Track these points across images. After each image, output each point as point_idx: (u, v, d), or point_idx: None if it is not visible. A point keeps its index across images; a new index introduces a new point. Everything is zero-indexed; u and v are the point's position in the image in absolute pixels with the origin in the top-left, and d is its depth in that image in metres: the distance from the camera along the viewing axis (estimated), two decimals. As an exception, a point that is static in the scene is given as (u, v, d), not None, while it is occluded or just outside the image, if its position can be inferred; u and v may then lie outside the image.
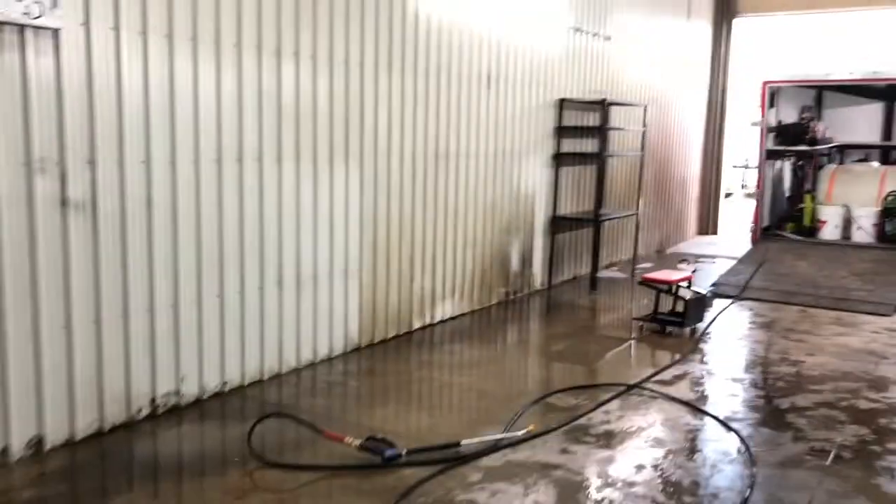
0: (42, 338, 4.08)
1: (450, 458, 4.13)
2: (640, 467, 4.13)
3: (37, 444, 4.10)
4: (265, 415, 4.56)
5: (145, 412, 4.62)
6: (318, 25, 5.52)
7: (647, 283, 7.22)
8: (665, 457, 4.28)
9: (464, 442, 4.29)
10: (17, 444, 4.02)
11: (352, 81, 5.87)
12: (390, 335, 6.53)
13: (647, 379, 5.61)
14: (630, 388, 5.40)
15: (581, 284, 9.14)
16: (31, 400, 4.07)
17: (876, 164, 11.47)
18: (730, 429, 4.69)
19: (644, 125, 9.86)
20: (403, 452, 4.12)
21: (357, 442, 4.15)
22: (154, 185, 4.53)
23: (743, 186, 20.20)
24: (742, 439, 4.51)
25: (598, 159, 8.88)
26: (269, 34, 5.14)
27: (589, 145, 9.28)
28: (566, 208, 9.05)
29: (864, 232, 10.41)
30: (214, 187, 4.91)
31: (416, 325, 6.85)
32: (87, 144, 4.19)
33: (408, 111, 6.47)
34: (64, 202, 4.11)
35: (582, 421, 4.78)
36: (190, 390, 4.87)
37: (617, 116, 9.76)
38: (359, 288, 6.16)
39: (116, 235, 4.37)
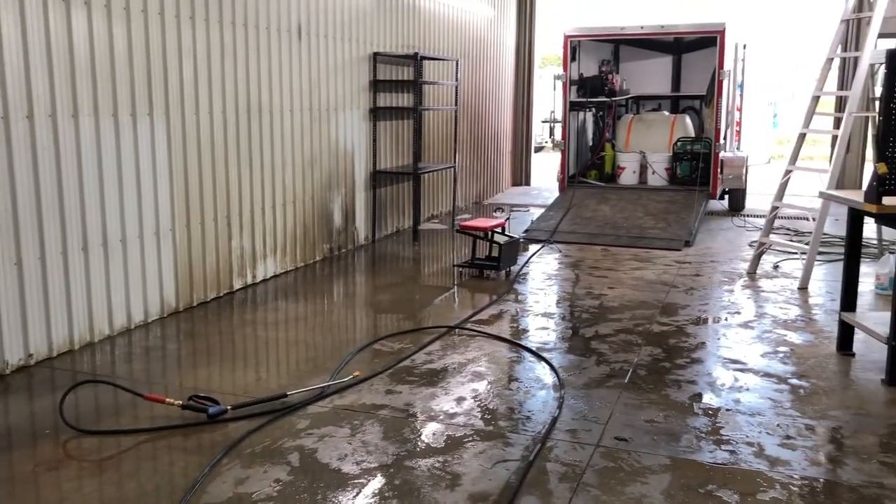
0: None
1: (276, 409, 4.17)
2: (460, 399, 4.37)
3: None
4: (77, 383, 4.36)
5: (-62, 393, 4.27)
6: (110, -28, 5.20)
7: (464, 231, 7.52)
8: (483, 388, 4.56)
9: (290, 392, 4.34)
10: None
11: (152, 32, 5.59)
12: (210, 297, 6.39)
13: (467, 320, 5.90)
14: (451, 329, 5.66)
15: (404, 237, 9.34)
16: None
17: (667, 113, 12.47)
18: (541, 358, 5.05)
19: (457, 80, 10.12)
20: (228, 408, 4.10)
21: (179, 402, 4.08)
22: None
23: (551, 138, 21.24)
24: (552, 366, 4.88)
25: (414, 113, 9.03)
26: (54, -20, 4.78)
27: (404, 99, 9.42)
28: (385, 163, 9.17)
29: (658, 176, 11.34)
30: (3, 147, 4.54)
31: (238, 285, 6.74)
32: None
33: (215, 64, 6.26)
34: None
35: (406, 363, 4.96)
36: (-11, 366, 4.55)
37: (430, 71, 9.94)
38: (173, 249, 5.96)
39: None
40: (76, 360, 4.99)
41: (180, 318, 5.93)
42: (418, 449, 3.76)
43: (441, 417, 4.13)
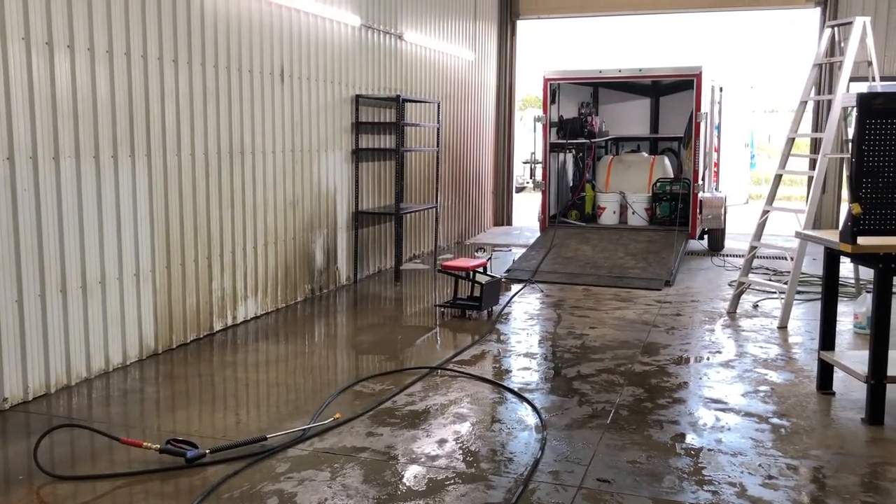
0: None
1: (256, 452, 4.12)
2: (442, 441, 4.34)
3: None
4: (53, 427, 4.29)
5: None
6: (94, 16, 5.24)
7: (446, 271, 7.53)
8: (465, 430, 4.53)
9: (270, 435, 4.29)
10: None
11: (135, 75, 5.63)
12: (190, 338, 6.33)
13: (449, 360, 5.88)
14: (433, 370, 5.63)
15: (386, 277, 9.34)
16: None
17: (645, 154, 12.64)
18: (524, 399, 5.04)
19: (438, 121, 10.23)
20: (207, 451, 4.04)
21: (157, 446, 4.02)
22: None
23: (532, 179, 21.46)
24: (534, 407, 4.86)
25: (396, 154, 9.10)
26: (37, 25, 4.82)
27: (386, 141, 9.49)
28: (368, 203, 9.20)
29: (638, 216, 11.45)
30: (-19, 188, 4.53)
31: (218, 326, 6.68)
32: None
33: (198, 106, 6.29)
34: None
35: (388, 404, 4.93)
36: (-37, 410, 4.47)
37: (412, 113, 10.04)
38: (152, 291, 5.92)
39: None
40: (52, 403, 4.91)
41: (159, 360, 5.87)
42: (399, 492, 3.72)
43: (422, 460, 4.10)
